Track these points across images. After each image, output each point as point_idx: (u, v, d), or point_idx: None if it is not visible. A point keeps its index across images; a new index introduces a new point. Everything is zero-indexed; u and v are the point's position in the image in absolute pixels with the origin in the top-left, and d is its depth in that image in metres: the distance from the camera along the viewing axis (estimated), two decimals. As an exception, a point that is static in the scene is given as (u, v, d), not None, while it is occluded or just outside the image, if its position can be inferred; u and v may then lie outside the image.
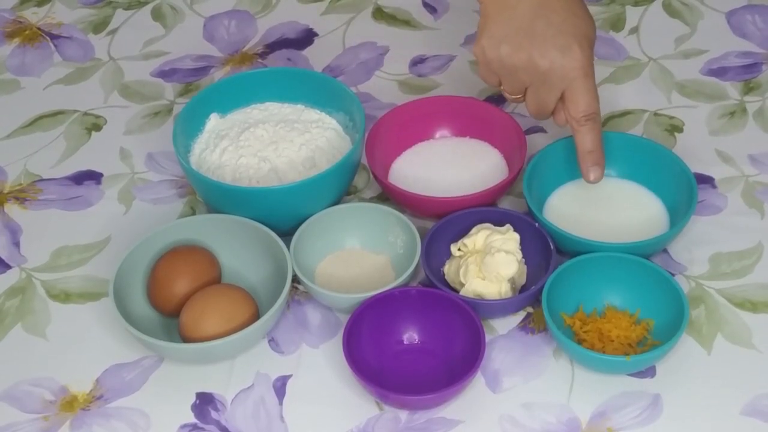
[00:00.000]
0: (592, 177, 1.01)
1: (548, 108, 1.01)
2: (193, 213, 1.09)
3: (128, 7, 1.34)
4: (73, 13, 1.34)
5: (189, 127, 1.08)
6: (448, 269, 0.99)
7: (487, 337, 0.94)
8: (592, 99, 0.98)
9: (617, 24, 1.27)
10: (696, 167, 1.07)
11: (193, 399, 0.94)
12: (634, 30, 1.27)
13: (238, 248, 1.01)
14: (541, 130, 1.15)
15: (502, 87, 1.02)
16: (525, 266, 0.99)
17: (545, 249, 0.98)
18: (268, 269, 1.00)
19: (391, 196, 1.06)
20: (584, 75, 0.97)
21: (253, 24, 1.31)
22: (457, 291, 0.97)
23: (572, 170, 1.06)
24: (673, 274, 0.99)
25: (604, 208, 1.04)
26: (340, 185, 1.04)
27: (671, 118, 1.16)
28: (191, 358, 0.95)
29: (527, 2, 0.97)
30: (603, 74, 1.21)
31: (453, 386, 0.89)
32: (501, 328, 0.97)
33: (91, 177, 1.13)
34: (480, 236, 0.98)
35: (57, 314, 1.01)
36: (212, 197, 1.04)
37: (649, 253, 0.99)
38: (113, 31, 1.31)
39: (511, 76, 0.99)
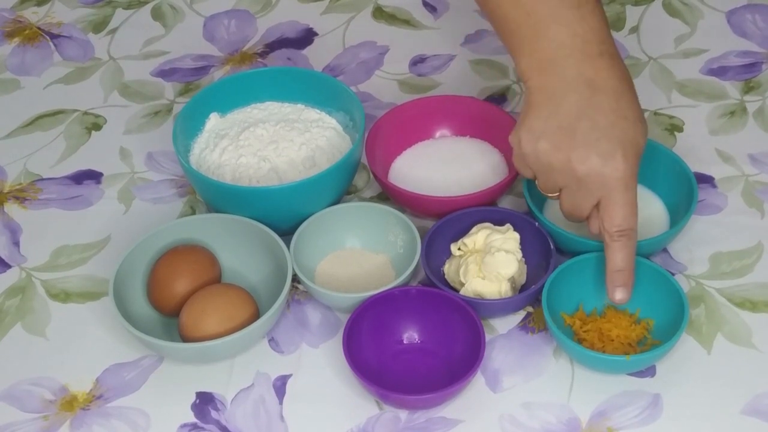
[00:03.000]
0: (617, 298, 0.93)
1: (583, 213, 0.93)
2: (193, 213, 1.09)
3: (128, 7, 1.34)
4: (72, 13, 1.34)
5: (189, 126, 1.08)
6: (448, 269, 0.99)
7: (487, 337, 0.94)
8: (629, 214, 0.90)
9: (617, 23, 1.27)
10: (696, 167, 1.07)
11: (193, 398, 0.94)
12: (634, 29, 1.27)
13: (238, 248, 1.01)
14: (541, 129, 1.15)
15: (537, 182, 0.95)
16: (525, 266, 0.99)
17: (545, 248, 0.98)
18: (268, 269, 1.00)
19: (391, 196, 1.06)
20: (624, 186, 0.89)
21: (253, 23, 1.31)
22: (457, 290, 0.97)
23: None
24: (673, 274, 0.99)
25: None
26: (340, 185, 1.04)
27: (671, 117, 1.16)
28: (191, 357, 0.95)
29: (575, 98, 0.89)
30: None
31: (453, 386, 0.89)
32: (501, 327, 0.97)
33: (91, 176, 1.13)
34: (480, 236, 0.98)
35: (57, 314, 1.01)
36: (212, 197, 1.04)
37: (649, 253, 0.99)
38: (113, 31, 1.31)
39: (547, 174, 0.92)
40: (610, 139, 0.88)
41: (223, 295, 0.96)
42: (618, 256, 0.92)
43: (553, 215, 1.03)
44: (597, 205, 0.92)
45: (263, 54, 1.26)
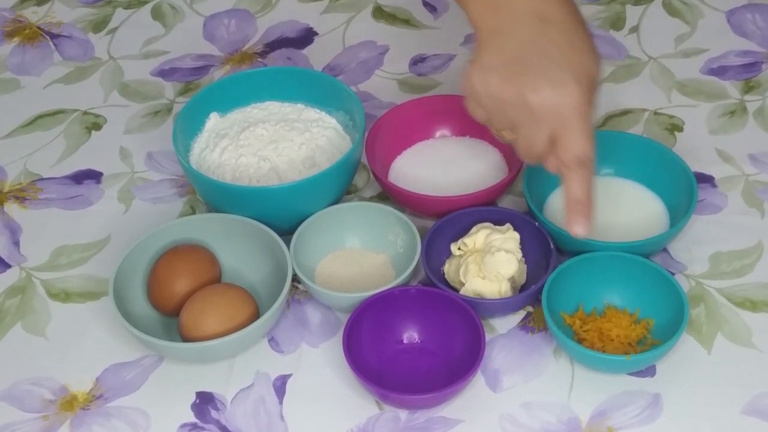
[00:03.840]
0: (576, 231, 0.91)
1: (538, 149, 0.90)
2: (193, 212, 1.09)
3: (128, 6, 1.34)
4: (72, 13, 1.34)
5: (189, 126, 1.08)
6: (448, 268, 0.99)
7: (487, 337, 0.94)
8: (586, 142, 0.88)
9: (617, 23, 1.27)
10: (696, 166, 1.07)
11: (193, 398, 0.94)
12: (634, 29, 1.27)
13: (238, 248, 1.01)
14: (541, 129, 1.15)
15: (490, 124, 0.94)
16: (525, 265, 0.99)
17: (545, 248, 0.98)
18: (268, 268, 1.00)
19: (391, 196, 1.06)
20: (579, 114, 0.87)
21: (253, 23, 1.31)
22: (457, 290, 0.97)
23: (572, 169, 1.06)
24: (673, 274, 0.99)
25: (604, 208, 1.04)
26: (340, 184, 1.04)
27: (671, 117, 1.16)
28: (191, 357, 0.95)
29: (525, 31, 0.87)
30: (603, 74, 1.21)
31: (453, 386, 0.89)
32: (501, 327, 0.97)
33: (91, 176, 1.13)
34: (480, 235, 0.98)
35: (57, 313, 1.01)
36: (212, 196, 1.04)
37: (649, 253, 0.99)
38: (113, 31, 1.31)
39: (500, 111, 0.89)
40: (562, 68, 0.86)
41: (223, 295, 0.96)
42: (576, 187, 0.90)
43: (553, 215, 1.03)
44: (553, 142, 0.89)
45: (263, 54, 1.26)
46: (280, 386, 0.94)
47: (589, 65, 0.88)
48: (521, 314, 0.98)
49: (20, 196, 1.12)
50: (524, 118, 0.88)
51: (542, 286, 0.94)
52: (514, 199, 1.08)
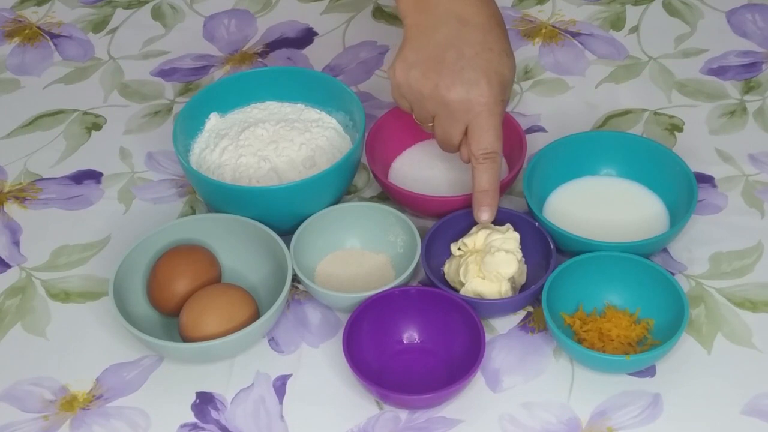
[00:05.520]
0: (482, 218, 0.98)
1: (452, 141, 0.98)
2: (193, 212, 1.09)
3: (128, 7, 1.34)
4: (72, 13, 1.34)
5: (189, 126, 1.08)
6: (448, 268, 0.99)
7: (487, 337, 0.94)
8: (493, 138, 0.96)
9: (617, 23, 1.27)
10: (696, 166, 1.07)
11: (193, 398, 0.94)
12: (634, 29, 1.26)
13: (238, 248, 1.01)
14: (542, 129, 1.15)
15: (413, 113, 1.00)
16: (525, 265, 0.99)
17: (545, 248, 0.98)
18: (268, 269, 1.00)
19: (391, 196, 1.06)
20: (488, 112, 0.95)
21: (253, 23, 1.31)
22: (457, 290, 0.97)
23: (572, 169, 1.06)
24: (673, 274, 0.99)
25: (604, 208, 1.04)
26: (340, 185, 1.04)
27: (671, 117, 1.16)
28: (191, 357, 0.95)
29: (446, 31, 0.95)
30: (603, 73, 1.21)
31: (453, 386, 0.89)
32: (501, 327, 0.97)
33: (91, 176, 1.13)
34: (480, 235, 0.98)
35: (57, 314, 1.01)
36: (212, 197, 1.04)
37: (649, 253, 0.99)
38: (113, 31, 1.31)
39: (419, 102, 0.97)
40: (475, 68, 0.94)
41: (223, 295, 0.96)
42: (483, 178, 0.97)
43: (553, 215, 1.03)
44: (465, 135, 0.97)
45: (263, 54, 1.26)
46: (280, 386, 0.94)
47: (500, 66, 0.95)
48: (521, 314, 0.98)
49: (20, 196, 1.12)
50: (440, 111, 0.96)
51: (542, 286, 0.94)
52: (514, 199, 1.08)
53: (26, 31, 1.32)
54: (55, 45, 1.30)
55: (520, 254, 0.97)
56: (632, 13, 1.29)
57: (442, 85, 0.94)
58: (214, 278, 1.00)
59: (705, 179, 1.08)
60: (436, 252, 1.00)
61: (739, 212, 1.06)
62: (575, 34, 1.26)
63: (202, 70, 1.25)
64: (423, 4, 0.96)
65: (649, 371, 0.93)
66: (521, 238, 0.98)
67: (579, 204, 1.05)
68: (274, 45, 1.28)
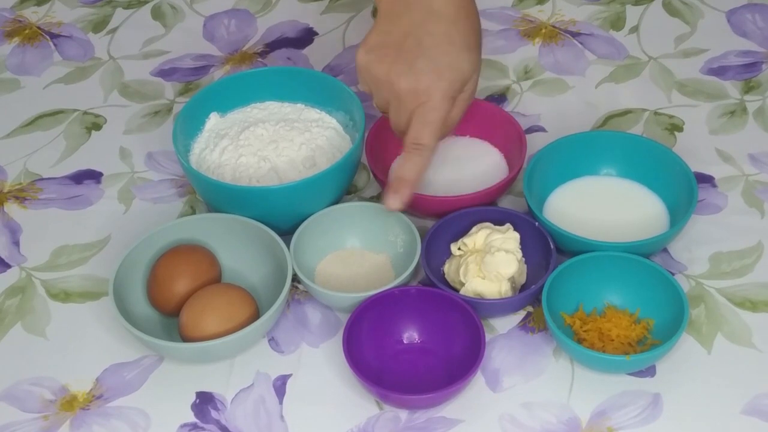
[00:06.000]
0: (390, 204, 0.97)
1: (401, 126, 0.97)
2: (193, 212, 1.09)
3: (128, 6, 1.34)
4: (72, 12, 1.34)
5: (189, 126, 1.08)
6: (448, 268, 0.99)
7: (487, 337, 0.94)
8: (428, 131, 0.95)
9: (617, 23, 1.27)
10: (696, 166, 1.07)
11: (193, 398, 0.94)
12: (634, 29, 1.26)
13: (238, 248, 1.01)
14: (542, 129, 1.15)
15: (371, 96, 1.00)
16: (525, 265, 0.99)
17: (545, 248, 0.98)
18: (268, 268, 1.00)
19: (391, 196, 1.06)
20: (432, 105, 0.94)
21: (253, 23, 1.31)
22: (457, 290, 0.97)
23: (572, 169, 1.06)
24: (673, 274, 0.99)
25: (604, 208, 1.04)
26: (340, 184, 1.04)
27: (671, 117, 1.16)
28: (191, 357, 0.95)
29: (411, 18, 0.94)
30: (603, 73, 1.21)
31: (453, 386, 0.89)
32: (501, 327, 0.97)
33: (91, 176, 1.13)
34: (480, 235, 0.98)
35: (57, 313, 1.01)
36: (212, 196, 1.04)
37: (649, 253, 0.99)
38: (113, 31, 1.31)
39: (375, 87, 0.97)
40: (430, 59, 0.93)
41: (223, 295, 0.96)
42: (406, 166, 0.96)
43: (553, 215, 1.03)
44: None
45: (263, 54, 1.26)
46: (280, 386, 0.94)
47: (458, 60, 0.94)
48: (521, 314, 0.98)
49: (20, 196, 1.12)
50: (391, 97, 0.96)
51: (542, 286, 0.94)
52: (514, 199, 1.08)
53: (26, 31, 1.32)
54: (55, 45, 1.30)
55: (520, 254, 0.97)
56: (632, 13, 1.29)
57: (394, 72, 0.94)
58: (214, 278, 1.00)
59: (705, 179, 1.08)
60: (436, 252, 1.00)
61: (739, 212, 1.06)
62: (575, 34, 1.26)
63: (202, 70, 1.25)
64: None
65: (649, 371, 0.93)
66: (521, 238, 0.98)
67: (579, 204, 1.05)
68: (274, 45, 1.28)
